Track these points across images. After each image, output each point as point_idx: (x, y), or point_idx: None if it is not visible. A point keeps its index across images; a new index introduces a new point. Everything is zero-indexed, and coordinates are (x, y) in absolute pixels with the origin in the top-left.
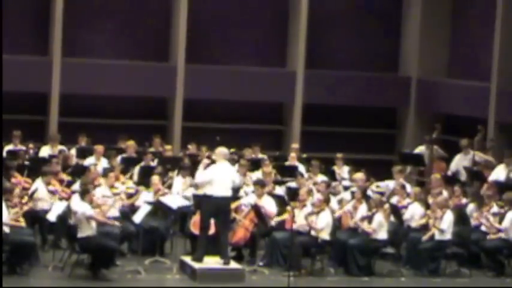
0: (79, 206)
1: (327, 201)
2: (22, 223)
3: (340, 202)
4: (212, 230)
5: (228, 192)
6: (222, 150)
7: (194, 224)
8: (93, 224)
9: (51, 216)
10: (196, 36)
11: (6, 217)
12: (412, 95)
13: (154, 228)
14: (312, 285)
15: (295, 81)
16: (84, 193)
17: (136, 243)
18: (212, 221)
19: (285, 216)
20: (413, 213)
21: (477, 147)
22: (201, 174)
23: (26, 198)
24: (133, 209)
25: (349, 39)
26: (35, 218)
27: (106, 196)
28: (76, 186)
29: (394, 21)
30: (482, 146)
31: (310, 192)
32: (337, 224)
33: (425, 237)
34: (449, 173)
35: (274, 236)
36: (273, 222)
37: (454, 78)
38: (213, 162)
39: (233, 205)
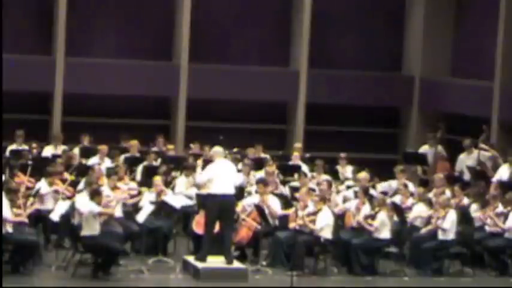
0: (85, 205)
1: (323, 200)
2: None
3: (344, 201)
4: (216, 230)
5: (231, 190)
6: (217, 149)
7: (197, 224)
8: (97, 223)
9: (55, 216)
10: (200, 36)
11: (8, 216)
12: (416, 94)
13: (158, 228)
14: (315, 285)
15: (299, 80)
16: (94, 194)
17: (140, 243)
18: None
19: (290, 211)
20: (419, 214)
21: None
22: (200, 175)
23: (31, 199)
24: (137, 208)
25: (353, 39)
26: (39, 217)
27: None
28: (81, 186)
29: (398, 21)
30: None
31: (310, 192)
32: (340, 223)
33: (424, 230)
34: (456, 173)
35: (277, 235)
36: (276, 222)
37: (457, 77)
38: (210, 161)
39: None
